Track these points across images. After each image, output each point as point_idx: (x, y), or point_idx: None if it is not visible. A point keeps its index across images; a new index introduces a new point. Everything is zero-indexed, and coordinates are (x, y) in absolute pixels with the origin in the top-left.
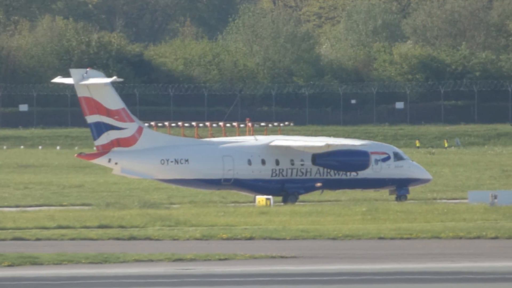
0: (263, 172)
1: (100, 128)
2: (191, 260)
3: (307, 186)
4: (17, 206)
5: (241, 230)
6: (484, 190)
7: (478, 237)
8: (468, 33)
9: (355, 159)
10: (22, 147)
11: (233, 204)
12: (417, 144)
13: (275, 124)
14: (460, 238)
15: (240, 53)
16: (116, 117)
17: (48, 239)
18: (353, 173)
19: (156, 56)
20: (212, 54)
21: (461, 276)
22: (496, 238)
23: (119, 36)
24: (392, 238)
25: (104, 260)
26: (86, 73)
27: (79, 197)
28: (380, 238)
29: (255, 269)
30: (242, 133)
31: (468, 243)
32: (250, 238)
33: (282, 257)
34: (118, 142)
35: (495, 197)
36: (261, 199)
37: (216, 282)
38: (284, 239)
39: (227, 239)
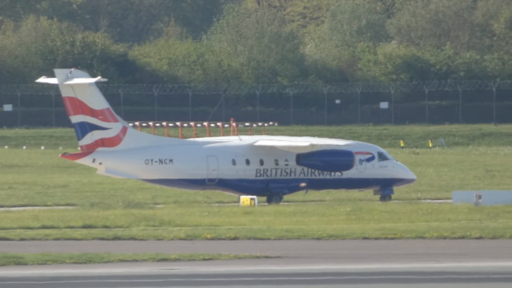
0: (248, 172)
1: (85, 128)
2: (176, 260)
3: (291, 186)
4: (1, 206)
5: (225, 230)
6: (468, 190)
7: (463, 237)
8: (453, 33)
9: (339, 159)
10: (6, 147)
11: (217, 204)
12: (402, 144)
13: (260, 124)
14: (445, 238)
15: (225, 53)
16: (100, 117)
17: (33, 239)
18: (338, 173)
19: (140, 56)
20: (196, 54)
21: (446, 276)
22: (480, 238)
23: (104, 36)
24: (376, 238)
25: (89, 260)
26: (70, 73)
27: (64, 197)
28: (365, 238)
29: (240, 269)
30: (226, 133)
31: (452, 243)
32: (235, 238)
33: (266, 257)
34: (102, 142)
35: (480, 197)
36: (245, 199)
37: (200, 282)
38: (268, 239)
39: (212, 239)
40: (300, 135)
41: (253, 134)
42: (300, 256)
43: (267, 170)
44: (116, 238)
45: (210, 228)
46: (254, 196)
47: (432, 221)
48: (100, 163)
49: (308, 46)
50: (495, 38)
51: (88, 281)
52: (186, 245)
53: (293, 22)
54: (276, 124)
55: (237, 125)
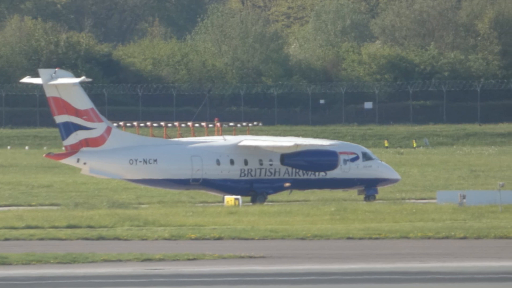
0: (232, 172)
1: (69, 128)
2: (160, 260)
3: (275, 186)
4: None
5: (209, 230)
6: (452, 190)
7: (447, 237)
8: (437, 33)
9: (323, 159)
10: None
11: (201, 204)
12: (386, 144)
13: (244, 124)
14: (429, 238)
15: (209, 53)
16: (84, 117)
17: (17, 239)
18: (322, 173)
19: (124, 56)
20: (180, 54)
21: (430, 276)
22: (464, 238)
23: (88, 36)
24: (360, 238)
25: (73, 260)
26: (54, 73)
27: (48, 197)
28: (349, 238)
29: (224, 269)
30: (211, 133)
31: (436, 243)
32: (219, 238)
33: (250, 257)
34: (86, 142)
35: (464, 197)
36: (229, 199)
37: (184, 282)
38: (252, 239)
39: (196, 239)
40: (284, 135)
41: (237, 134)
42: (285, 256)
43: (251, 170)
44: (100, 238)
45: (194, 228)
46: (239, 196)
47: (416, 221)
48: (85, 163)
49: (293, 46)
50: (479, 38)
51: (72, 281)
52: (170, 245)
53: (277, 22)
54: (260, 124)
55: (221, 125)
